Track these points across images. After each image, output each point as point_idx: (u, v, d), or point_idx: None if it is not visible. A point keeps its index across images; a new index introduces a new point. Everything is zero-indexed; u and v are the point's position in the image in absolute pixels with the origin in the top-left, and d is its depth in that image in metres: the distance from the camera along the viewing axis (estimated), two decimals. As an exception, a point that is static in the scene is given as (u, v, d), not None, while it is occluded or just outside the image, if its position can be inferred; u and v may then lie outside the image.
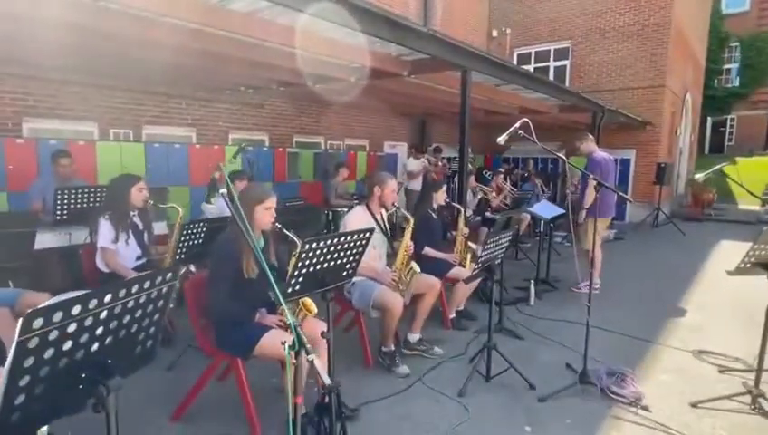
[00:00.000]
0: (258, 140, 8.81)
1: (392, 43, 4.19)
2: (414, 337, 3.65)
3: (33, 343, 1.03)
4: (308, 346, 1.36)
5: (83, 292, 1.15)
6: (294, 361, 1.35)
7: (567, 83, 12.74)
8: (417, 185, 8.44)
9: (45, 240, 3.87)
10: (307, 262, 2.06)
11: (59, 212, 3.80)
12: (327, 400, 2.27)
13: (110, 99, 6.85)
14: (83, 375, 1.19)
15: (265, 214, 2.54)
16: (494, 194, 7.07)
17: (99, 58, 5.19)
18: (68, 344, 1.10)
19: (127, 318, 1.28)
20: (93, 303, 1.13)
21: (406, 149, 11.67)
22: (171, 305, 3.22)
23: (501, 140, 3.25)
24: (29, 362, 1.05)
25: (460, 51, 4.64)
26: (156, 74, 6.36)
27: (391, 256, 3.55)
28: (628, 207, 11.57)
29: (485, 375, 3.20)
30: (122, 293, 1.22)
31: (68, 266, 3.91)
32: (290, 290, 2.08)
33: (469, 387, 3.05)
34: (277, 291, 1.46)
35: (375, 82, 6.07)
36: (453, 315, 4.28)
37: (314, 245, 2.04)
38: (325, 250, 2.11)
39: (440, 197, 4.31)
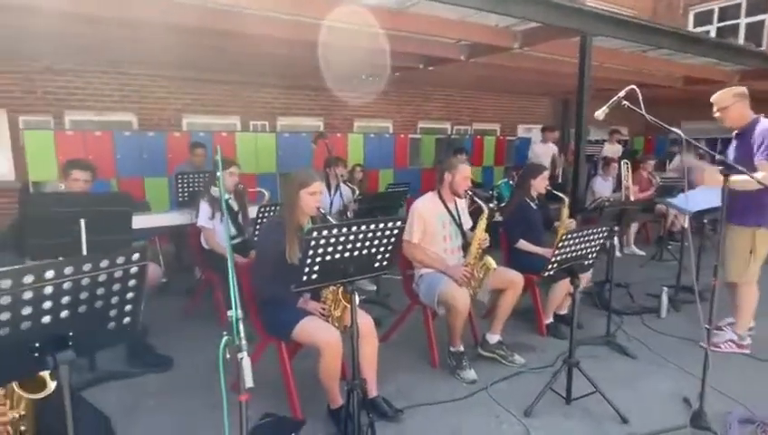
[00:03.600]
0: (382, 127, 8.96)
1: (490, 11, 3.77)
2: (493, 338, 3.27)
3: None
4: (244, 342, 1.25)
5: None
6: (229, 356, 1.26)
7: (765, 44, 10.11)
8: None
9: (175, 219, 4.50)
10: (320, 250, 1.94)
11: (180, 194, 4.36)
12: (351, 397, 2.15)
13: (252, 94, 7.67)
14: (36, 345, 1.28)
15: (310, 199, 2.49)
16: (634, 186, 5.98)
17: (243, 57, 5.82)
18: (6, 315, 1.18)
19: (84, 294, 1.33)
20: (29, 278, 1.19)
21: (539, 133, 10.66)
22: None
23: (600, 114, 2.66)
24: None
25: (575, 13, 3.95)
26: (291, 69, 6.88)
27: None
28: None
29: (565, 396, 2.70)
30: (68, 270, 1.27)
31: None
32: (305, 279, 1.99)
33: (540, 407, 2.60)
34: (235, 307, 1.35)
35: (490, 60, 5.62)
36: (550, 320, 3.73)
37: (324, 232, 1.91)
38: (342, 239, 1.97)
39: (540, 184, 3.77)
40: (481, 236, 3.05)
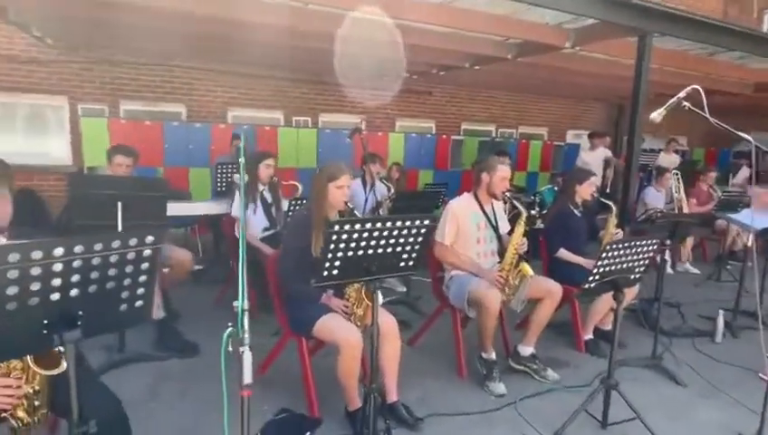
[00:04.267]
0: (425, 127, 8.82)
1: (538, 6, 3.58)
2: (526, 350, 3.08)
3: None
4: (247, 336, 1.18)
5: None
6: (231, 349, 1.19)
7: None
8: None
9: (212, 208, 4.56)
10: (342, 245, 1.86)
11: (218, 184, 4.42)
12: (367, 400, 2.05)
13: (295, 90, 7.75)
14: (45, 322, 1.26)
15: (337, 193, 2.43)
16: (691, 199, 5.57)
17: (291, 52, 5.83)
18: (13, 289, 1.17)
19: (95, 274, 1.31)
20: (38, 254, 1.17)
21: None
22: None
23: (656, 115, 2.41)
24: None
25: (634, 9, 3.68)
26: (330, 66, 6.89)
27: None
28: None
29: (601, 420, 2.49)
30: (78, 248, 1.24)
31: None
32: (326, 274, 1.92)
33: (572, 429, 2.41)
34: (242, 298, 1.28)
35: (539, 60, 5.37)
36: (589, 336, 3.49)
37: (347, 227, 1.82)
38: (366, 234, 1.88)
39: (585, 190, 3.54)
40: (518, 241, 2.88)
